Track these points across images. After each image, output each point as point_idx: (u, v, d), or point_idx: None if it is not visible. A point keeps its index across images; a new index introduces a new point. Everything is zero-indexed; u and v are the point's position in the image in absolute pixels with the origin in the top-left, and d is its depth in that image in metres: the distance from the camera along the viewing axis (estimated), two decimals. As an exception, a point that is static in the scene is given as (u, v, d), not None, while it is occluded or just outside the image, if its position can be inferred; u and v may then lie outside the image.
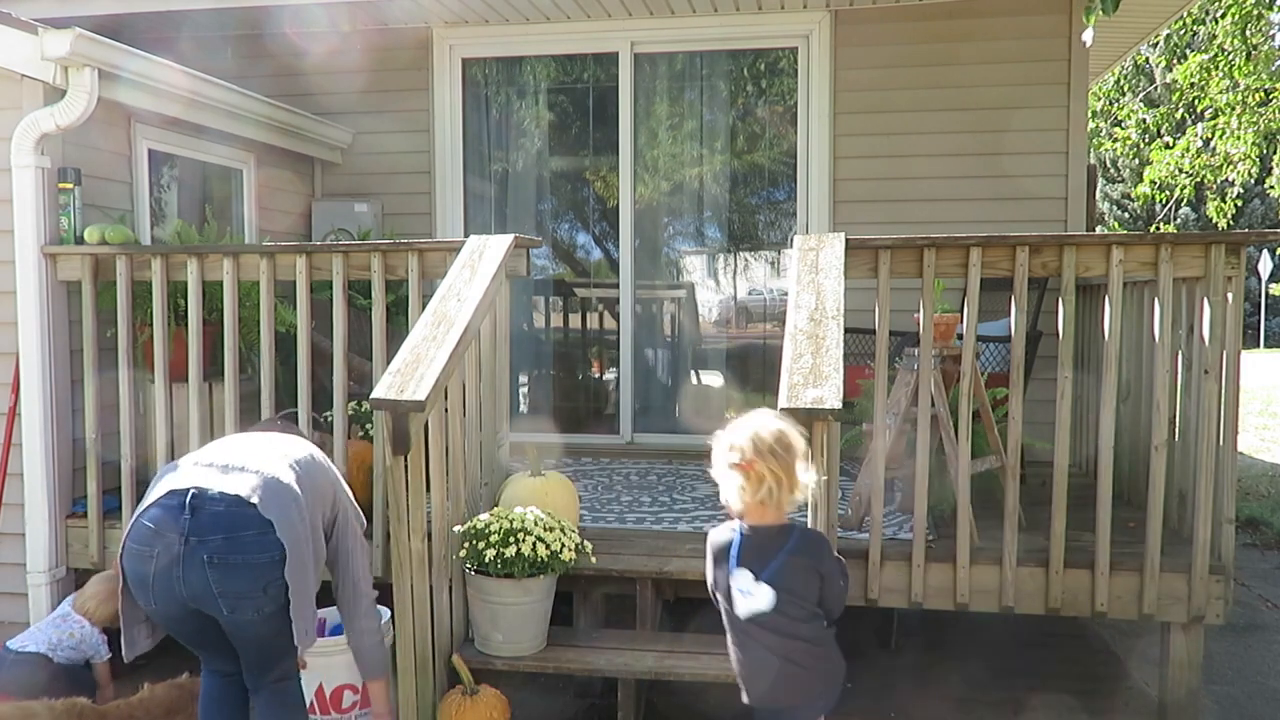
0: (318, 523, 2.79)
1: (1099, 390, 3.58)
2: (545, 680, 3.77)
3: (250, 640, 2.69)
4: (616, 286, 6.14)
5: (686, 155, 6.22)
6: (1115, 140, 13.56)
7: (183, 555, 2.47)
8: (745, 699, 2.62)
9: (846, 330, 3.19)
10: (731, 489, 2.48)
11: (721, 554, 2.56)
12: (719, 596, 2.60)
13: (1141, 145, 12.98)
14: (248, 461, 2.70)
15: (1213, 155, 11.26)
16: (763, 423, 2.49)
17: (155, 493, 2.64)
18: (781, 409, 2.80)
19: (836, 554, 2.84)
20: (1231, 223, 12.53)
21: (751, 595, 2.48)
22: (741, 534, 2.53)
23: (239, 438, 2.94)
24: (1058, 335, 3.55)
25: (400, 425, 2.99)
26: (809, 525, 2.94)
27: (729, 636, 2.61)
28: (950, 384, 3.86)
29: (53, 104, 4.04)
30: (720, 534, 2.59)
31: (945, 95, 5.63)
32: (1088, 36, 4.61)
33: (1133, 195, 14.86)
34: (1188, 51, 11.66)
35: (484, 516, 3.40)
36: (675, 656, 3.34)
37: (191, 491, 2.55)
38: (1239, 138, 10.70)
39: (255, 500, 2.57)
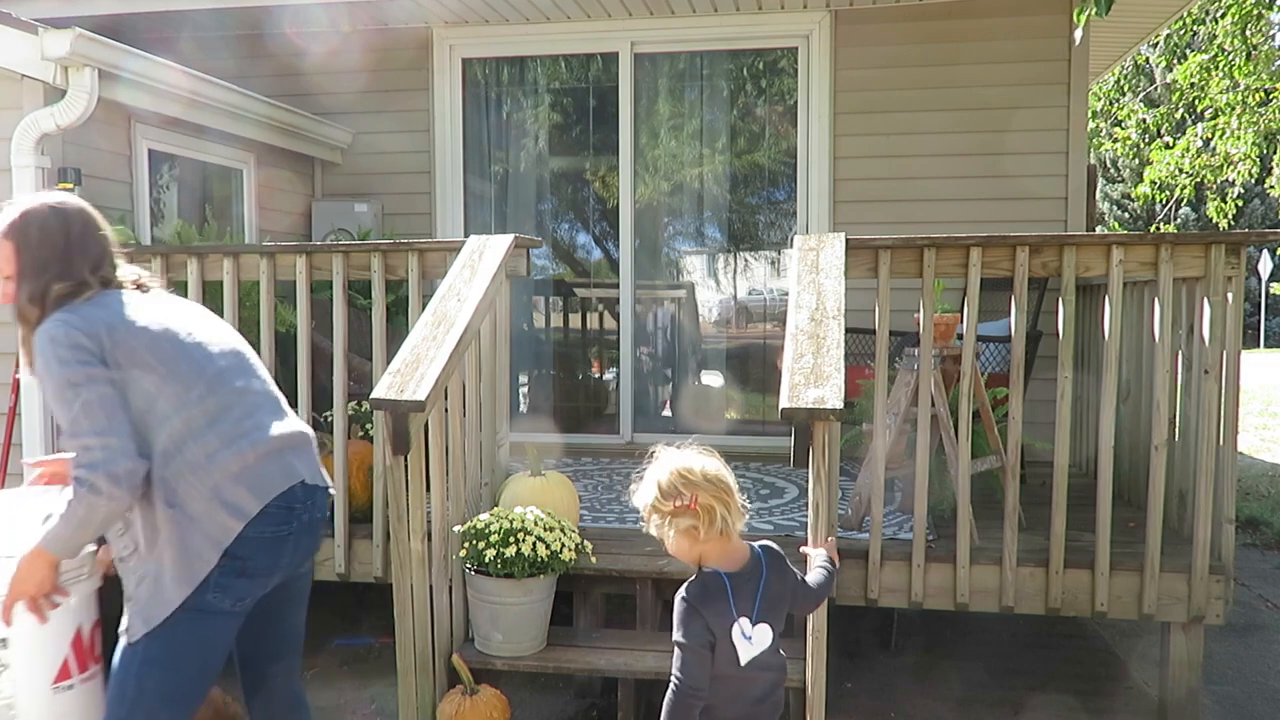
0: None
1: (1099, 390, 3.58)
2: (545, 680, 3.77)
3: (304, 599, 2.62)
4: (616, 286, 6.14)
5: (686, 155, 6.22)
6: (1115, 140, 13.57)
7: (310, 522, 2.44)
8: None
9: (847, 330, 3.18)
10: (683, 533, 2.31)
11: (716, 602, 2.33)
12: (701, 649, 2.31)
13: (1141, 145, 12.99)
14: (295, 424, 2.52)
15: (1213, 155, 11.28)
16: (679, 460, 2.34)
17: (255, 492, 2.32)
18: (783, 409, 2.80)
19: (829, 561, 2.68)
20: (1231, 223, 12.55)
21: (752, 640, 2.33)
22: (727, 578, 2.34)
23: (228, 363, 2.41)
24: (1058, 335, 3.55)
25: (400, 425, 2.99)
26: (811, 525, 2.93)
27: (712, 698, 2.32)
28: (950, 384, 3.86)
29: (53, 104, 4.04)
30: (708, 582, 2.35)
31: (945, 95, 5.63)
32: (1078, 36, 4.66)
33: (1133, 195, 14.88)
34: (1188, 51, 11.67)
35: (484, 516, 3.40)
36: (675, 656, 3.33)
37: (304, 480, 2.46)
38: (1239, 138, 10.71)
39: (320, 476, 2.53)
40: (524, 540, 3.28)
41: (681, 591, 2.38)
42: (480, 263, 3.65)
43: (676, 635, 2.35)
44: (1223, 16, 10.14)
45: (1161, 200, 13.23)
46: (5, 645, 2.52)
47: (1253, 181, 12.07)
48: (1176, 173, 11.61)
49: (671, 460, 2.35)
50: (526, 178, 6.40)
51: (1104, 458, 3.47)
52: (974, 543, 3.56)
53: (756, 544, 2.46)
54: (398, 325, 3.97)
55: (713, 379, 6.41)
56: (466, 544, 3.36)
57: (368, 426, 4.19)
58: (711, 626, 2.32)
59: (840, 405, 2.77)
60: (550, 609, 3.45)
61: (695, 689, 2.32)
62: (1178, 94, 12.16)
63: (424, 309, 3.47)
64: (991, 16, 5.57)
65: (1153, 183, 12.00)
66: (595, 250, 6.54)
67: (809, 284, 3.31)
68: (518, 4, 5.59)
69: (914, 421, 3.64)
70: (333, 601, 4.73)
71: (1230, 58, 10.20)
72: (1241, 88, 10.37)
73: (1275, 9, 10.10)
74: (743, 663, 2.33)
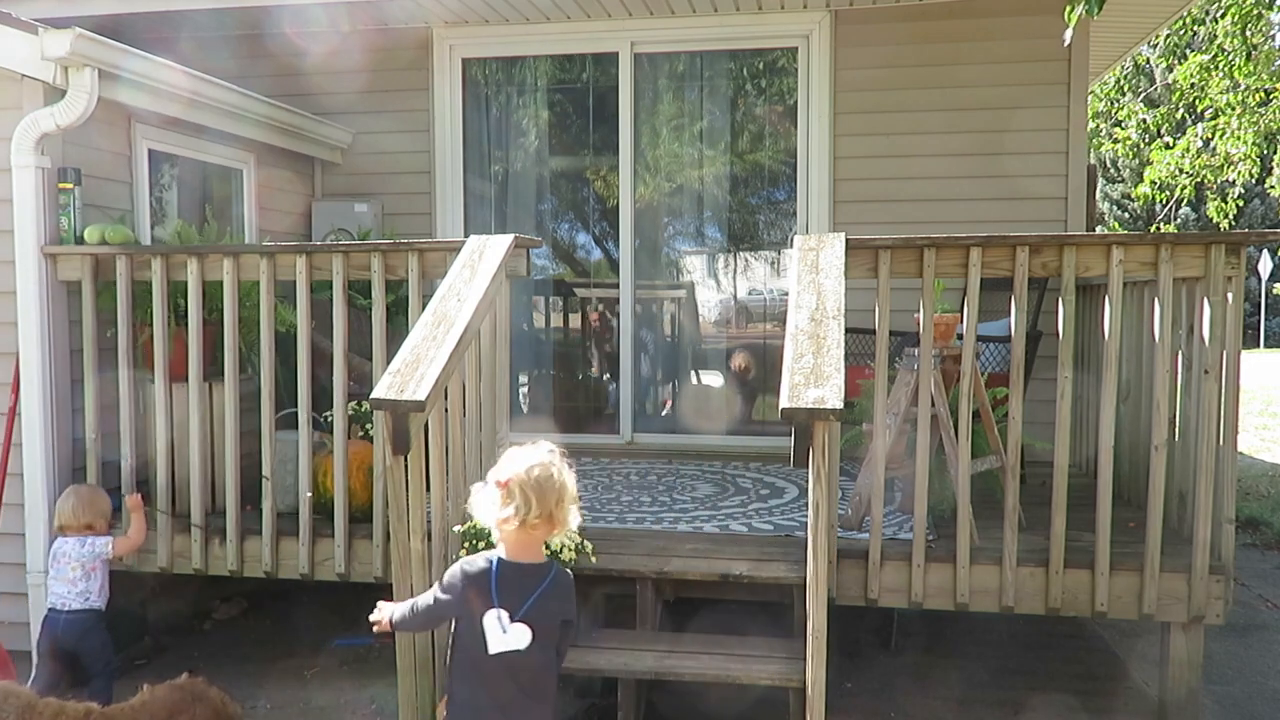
0: None
1: (1099, 390, 3.58)
2: (545, 680, 3.76)
3: None
4: (616, 286, 6.14)
5: (686, 155, 6.22)
6: (1115, 140, 13.56)
7: None
8: None
9: (847, 330, 3.18)
10: (487, 506, 2.44)
11: (478, 583, 2.43)
12: (444, 603, 2.48)
13: (1141, 145, 12.99)
14: None
15: (1213, 155, 11.27)
16: (535, 453, 2.46)
17: None
18: (783, 409, 2.80)
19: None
20: (1232, 223, 12.54)
21: (507, 633, 2.41)
22: (497, 564, 2.44)
23: None
24: (1058, 335, 3.55)
25: (400, 425, 2.99)
26: (811, 525, 2.93)
27: (459, 677, 2.47)
28: (950, 384, 3.86)
29: (53, 104, 4.04)
30: (476, 561, 2.49)
31: (945, 95, 5.63)
32: (1067, 36, 4.65)
33: (1133, 195, 14.88)
34: (1188, 51, 11.67)
35: (484, 516, 3.40)
36: (675, 656, 3.33)
37: None
38: (1239, 138, 10.70)
39: None
40: (524, 540, 3.28)
41: (464, 559, 2.52)
42: (480, 263, 3.64)
43: (436, 584, 2.54)
44: (1223, 16, 10.13)
45: (1161, 200, 13.22)
46: None
47: (1253, 181, 12.07)
48: (1176, 173, 11.61)
49: (526, 449, 2.48)
50: (526, 178, 6.40)
51: (1104, 458, 3.47)
52: (974, 543, 3.56)
53: (557, 565, 2.56)
54: (398, 325, 3.97)
55: (713, 379, 6.42)
56: (466, 544, 3.35)
57: (368, 426, 4.19)
58: (469, 599, 2.43)
59: (840, 405, 2.77)
60: (550, 609, 3.45)
61: (408, 618, 2.63)
62: (1178, 94, 12.16)
63: (424, 309, 3.47)
64: (991, 16, 5.57)
65: (1153, 183, 12.00)
66: (595, 250, 6.54)
67: (809, 284, 3.31)
68: (518, 4, 5.59)
69: (914, 421, 3.64)
70: (333, 601, 4.74)
71: (1230, 58, 10.19)
72: (1241, 88, 10.37)
73: (1275, 9, 10.09)
74: (491, 650, 2.40)
